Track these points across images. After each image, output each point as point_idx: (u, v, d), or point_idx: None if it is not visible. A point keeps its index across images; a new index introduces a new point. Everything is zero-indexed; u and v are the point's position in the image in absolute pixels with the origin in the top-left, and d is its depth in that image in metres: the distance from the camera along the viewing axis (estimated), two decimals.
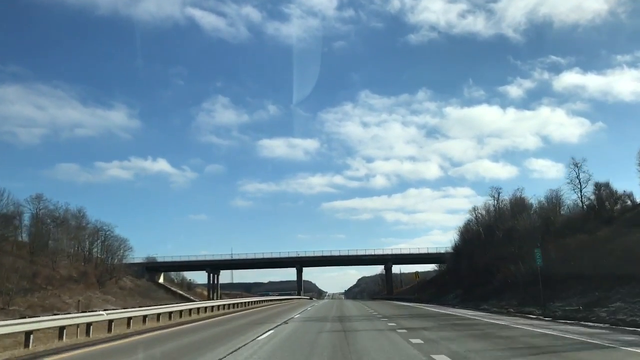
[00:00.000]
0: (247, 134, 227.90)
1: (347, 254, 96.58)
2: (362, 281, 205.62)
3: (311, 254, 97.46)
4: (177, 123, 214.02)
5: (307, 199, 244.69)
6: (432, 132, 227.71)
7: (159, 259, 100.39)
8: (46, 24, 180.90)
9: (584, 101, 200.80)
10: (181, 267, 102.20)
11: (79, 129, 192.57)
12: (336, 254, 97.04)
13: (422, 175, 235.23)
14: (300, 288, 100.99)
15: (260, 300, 56.58)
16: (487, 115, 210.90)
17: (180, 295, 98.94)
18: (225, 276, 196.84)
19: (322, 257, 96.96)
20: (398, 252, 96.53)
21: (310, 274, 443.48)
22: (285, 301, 69.36)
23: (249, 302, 50.72)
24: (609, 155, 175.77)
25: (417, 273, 59.02)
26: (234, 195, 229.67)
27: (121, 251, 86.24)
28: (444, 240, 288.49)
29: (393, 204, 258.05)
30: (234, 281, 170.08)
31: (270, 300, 63.83)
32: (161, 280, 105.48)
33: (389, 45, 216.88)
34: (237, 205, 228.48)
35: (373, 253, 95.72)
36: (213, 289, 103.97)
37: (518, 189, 62.74)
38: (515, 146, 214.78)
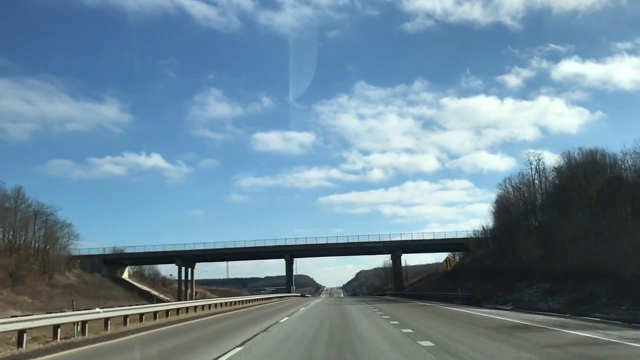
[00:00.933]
0: (241, 128, 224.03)
1: (346, 242, 79.50)
2: (360, 275, 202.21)
3: (303, 242, 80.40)
4: (169, 117, 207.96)
5: (303, 193, 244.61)
6: (429, 124, 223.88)
7: (128, 250, 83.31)
8: (32, 15, 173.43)
9: (584, 90, 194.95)
10: (146, 259, 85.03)
11: (70, 124, 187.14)
12: (333, 241, 79.96)
13: (419, 168, 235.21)
14: (291, 283, 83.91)
15: (230, 302, 40.23)
16: (485, 105, 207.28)
17: (147, 293, 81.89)
18: (220, 272, 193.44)
19: (316, 245, 79.95)
20: (409, 237, 79.59)
21: (308, 268, 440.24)
22: (265, 303, 52.55)
23: (210, 304, 35.05)
24: (609, 145, 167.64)
25: (448, 260, 42.10)
26: (230, 190, 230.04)
27: (63, 239, 69.12)
28: (441, 232, 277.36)
29: (390, 197, 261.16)
30: (230, 276, 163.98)
31: (247, 302, 47.39)
32: (125, 275, 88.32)
33: (384, 34, 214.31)
34: (233, 200, 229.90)
35: (378, 240, 78.59)
36: (186, 286, 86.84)
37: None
38: (513, 137, 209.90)
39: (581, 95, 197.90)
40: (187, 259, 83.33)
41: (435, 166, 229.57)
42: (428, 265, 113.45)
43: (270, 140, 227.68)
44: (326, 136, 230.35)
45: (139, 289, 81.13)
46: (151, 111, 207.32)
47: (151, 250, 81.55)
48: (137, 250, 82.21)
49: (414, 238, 79.24)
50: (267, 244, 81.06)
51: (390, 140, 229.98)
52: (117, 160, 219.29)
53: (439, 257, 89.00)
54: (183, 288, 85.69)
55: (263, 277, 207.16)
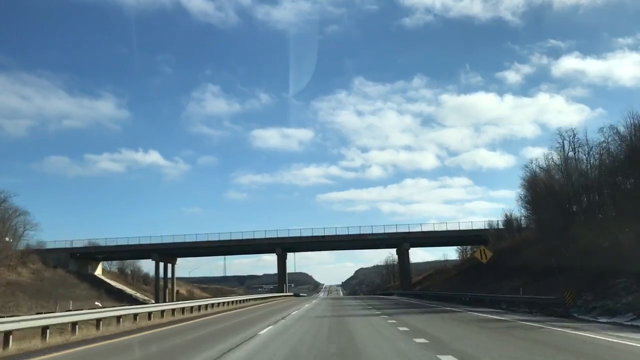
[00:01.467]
0: (239, 124, 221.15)
1: (346, 234, 69.80)
2: (359, 273, 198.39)
3: (297, 234, 70.64)
4: (166, 113, 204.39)
5: (302, 191, 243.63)
6: (428, 121, 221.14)
7: (101, 244, 73.48)
8: (28, 10, 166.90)
9: (584, 87, 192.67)
10: (119, 253, 75.14)
11: (67, 120, 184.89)
12: (331, 233, 70.28)
13: (418, 165, 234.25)
14: (284, 280, 74.19)
15: (198, 306, 30.66)
16: (484, 102, 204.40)
17: (121, 292, 72.27)
18: (217, 269, 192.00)
19: (312, 238, 70.22)
20: (417, 229, 69.96)
21: (307, 266, 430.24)
22: (248, 305, 43.13)
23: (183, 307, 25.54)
24: None
25: (483, 250, 32.23)
26: (228, 187, 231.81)
27: (17, 228, 59.37)
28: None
29: (389, 194, 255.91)
30: (228, 274, 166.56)
31: (222, 304, 37.85)
32: (98, 271, 78.63)
33: (383, 29, 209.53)
34: (231, 197, 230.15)
35: (382, 232, 68.88)
36: (165, 284, 77.12)
37: None
38: (513, 134, 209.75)
39: (582, 91, 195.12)
40: (165, 252, 73.52)
41: (435, 163, 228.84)
42: (431, 262, 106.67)
43: (269, 137, 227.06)
44: (325, 133, 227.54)
45: (110, 287, 71.45)
46: (148, 107, 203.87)
47: (125, 243, 71.72)
48: (109, 243, 72.42)
49: (424, 230, 69.57)
50: (256, 237, 71.37)
51: (389, 137, 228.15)
52: (115, 157, 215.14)
53: (447, 252, 79.34)
54: (164, 285, 76.00)
55: (261, 274, 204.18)
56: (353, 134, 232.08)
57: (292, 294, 73.16)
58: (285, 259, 77.77)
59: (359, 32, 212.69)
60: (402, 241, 68.91)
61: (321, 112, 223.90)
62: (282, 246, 71.19)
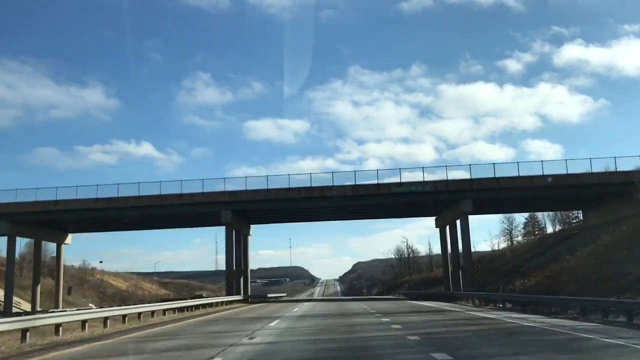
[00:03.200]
0: (232, 114, 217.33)
1: (352, 184, 37.92)
2: (357, 267, 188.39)
3: (260, 187, 38.46)
4: (157, 103, 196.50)
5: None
6: (426, 112, 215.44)
7: None
8: None
9: (587, 76, 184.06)
10: None
11: (54, 110, 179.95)
12: (323, 183, 38.21)
13: (416, 158, 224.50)
14: (241, 270, 41.96)
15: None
16: (484, 93, 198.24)
17: None
18: (208, 263, 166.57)
19: (291, 192, 38.06)
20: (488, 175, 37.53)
21: (305, 261, 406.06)
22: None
23: None
24: (613, 133, 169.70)
25: None
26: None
27: None
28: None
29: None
30: (220, 267, 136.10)
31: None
32: None
33: (380, 14, 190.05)
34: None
35: (420, 179, 36.84)
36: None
37: None
38: (512, 126, 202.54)
39: (585, 81, 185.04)
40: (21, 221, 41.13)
41: (433, 156, 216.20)
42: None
43: (263, 128, 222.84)
44: (320, 124, 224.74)
45: None
46: (137, 96, 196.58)
47: None
48: None
49: (499, 175, 36.99)
50: (186, 192, 38.88)
51: (386, 128, 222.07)
52: (107, 149, 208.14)
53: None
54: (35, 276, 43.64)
55: (256, 268, 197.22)
56: (349, 125, 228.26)
57: (241, 296, 40.17)
58: (245, 234, 45.56)
59: (355, 17, 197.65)
60: (457, 197, 36.67)
61: (316, 102, 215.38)
62: (234, 207, 38.75)
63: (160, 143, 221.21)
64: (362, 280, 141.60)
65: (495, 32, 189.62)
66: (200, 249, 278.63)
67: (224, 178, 40.85)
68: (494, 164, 38.01)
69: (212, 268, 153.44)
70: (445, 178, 37.18)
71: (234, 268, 40.44)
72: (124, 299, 68.29)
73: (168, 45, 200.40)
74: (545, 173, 36.18)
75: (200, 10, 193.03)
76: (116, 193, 39.79)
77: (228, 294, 37.70)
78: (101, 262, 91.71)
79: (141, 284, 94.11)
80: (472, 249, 39.87)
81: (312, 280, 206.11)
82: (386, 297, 49.28)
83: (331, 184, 38.09)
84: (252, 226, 47.54)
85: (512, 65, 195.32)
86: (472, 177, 37.11)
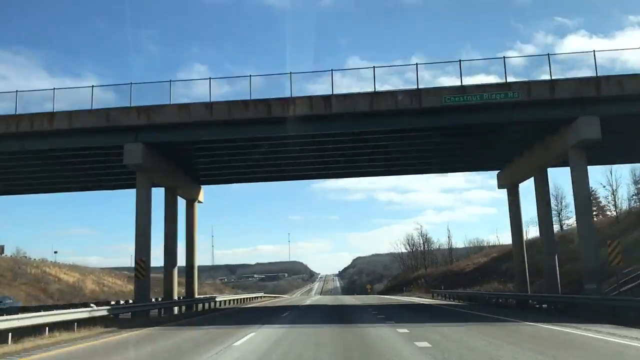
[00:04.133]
0: None
1: (362, 92, 21.31)
2: (357, 262, 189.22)
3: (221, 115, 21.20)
4: (153, 95, 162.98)
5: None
6: None
7: None
8: None
9: (590, 68, 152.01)
10: None
11: (49, 103, 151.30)
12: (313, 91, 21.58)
13: None
14: (173, 263, 24.67)
15: None
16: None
17: None
18: (205, 258, 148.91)
19: (252, 103, 20.63)
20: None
21: (304, 256, 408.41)
22: None
23: None
24: None
25: None
26: None
27: None
28: (437, 220, 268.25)
29: (385, 183, 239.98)
30: (215, 262, 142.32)
31: None
32: None
33: (380, 4, 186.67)
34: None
35: (504, 81, 19.57)
36: None
37: None
38: None
39: (587, 74, 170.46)
40: None
41: None
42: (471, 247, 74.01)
43: None
44: None
45: None
46: (133, 89, 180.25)
47: None
48: None
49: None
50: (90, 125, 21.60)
51: None
52: None
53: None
54: None
55: (253, 263, 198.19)
56: None
57: (106, 312, 22.46)
58: (191, 199, 28.15)
59: (354, 7, 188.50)
60: (568, 114, 19.26)
61: (315, 95, 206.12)
62: (148, 137, 21.30)
63: None
64: (363, 276, 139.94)
65: (498, 22, 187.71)
66: None
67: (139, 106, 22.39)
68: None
69: (207, 263, 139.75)
70: (556, 78, 19.79)
71: (165, 255, 22.86)
72: (64, 296, 53.69)
73: (163, 35, 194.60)
74: None
75: (196, 0, 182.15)
76: None
77: (137, 299, 20.35)
78: (56, 252, 77.45)
79: (103, 278, 78.29)
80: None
81: (311, 276, 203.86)
82: (422, 303, 31.02)
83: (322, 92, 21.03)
84: (206, 190, 29.82)
85: (514, 57, 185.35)
86: (599, 76, 19.78)
